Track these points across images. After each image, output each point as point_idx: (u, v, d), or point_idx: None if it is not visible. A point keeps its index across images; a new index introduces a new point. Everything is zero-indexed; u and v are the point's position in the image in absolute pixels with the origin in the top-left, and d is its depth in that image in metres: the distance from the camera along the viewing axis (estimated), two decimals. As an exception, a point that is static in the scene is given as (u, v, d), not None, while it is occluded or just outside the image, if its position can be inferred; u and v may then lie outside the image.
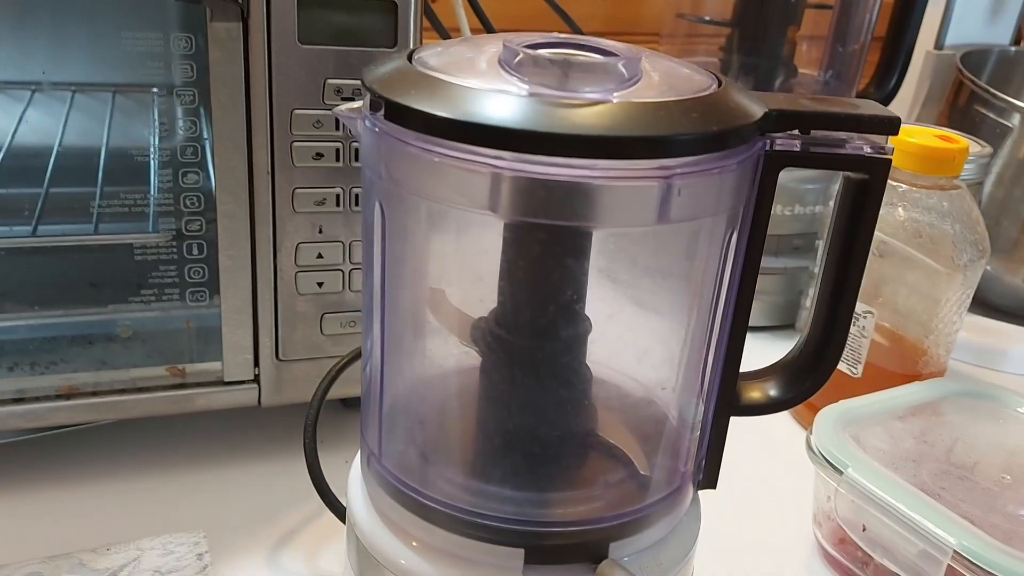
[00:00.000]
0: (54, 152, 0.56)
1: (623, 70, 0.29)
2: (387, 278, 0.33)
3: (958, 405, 0.53)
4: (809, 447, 0.48)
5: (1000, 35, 0.84)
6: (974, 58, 0.78)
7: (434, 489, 0.33)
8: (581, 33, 0.79)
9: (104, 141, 0.56)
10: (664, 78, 0.31)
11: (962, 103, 0.75)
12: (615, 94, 0.28)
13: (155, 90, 0.59)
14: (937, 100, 0.81)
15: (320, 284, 0.48)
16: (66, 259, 0.51)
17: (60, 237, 0.50)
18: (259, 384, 0.49)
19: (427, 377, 0.37)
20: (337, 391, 0.47)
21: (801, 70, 0.73)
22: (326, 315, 0.49)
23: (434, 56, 0.31)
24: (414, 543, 0.33)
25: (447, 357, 0.36)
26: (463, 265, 0.35)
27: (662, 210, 0.29)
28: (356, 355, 0.47)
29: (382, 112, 0.29)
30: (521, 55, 0.29)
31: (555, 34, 0.32)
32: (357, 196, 0.47)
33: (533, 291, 0.32)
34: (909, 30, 0.73)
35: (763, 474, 0.56)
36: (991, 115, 0.70)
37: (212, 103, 0.44)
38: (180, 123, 0.50)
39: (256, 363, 0.49)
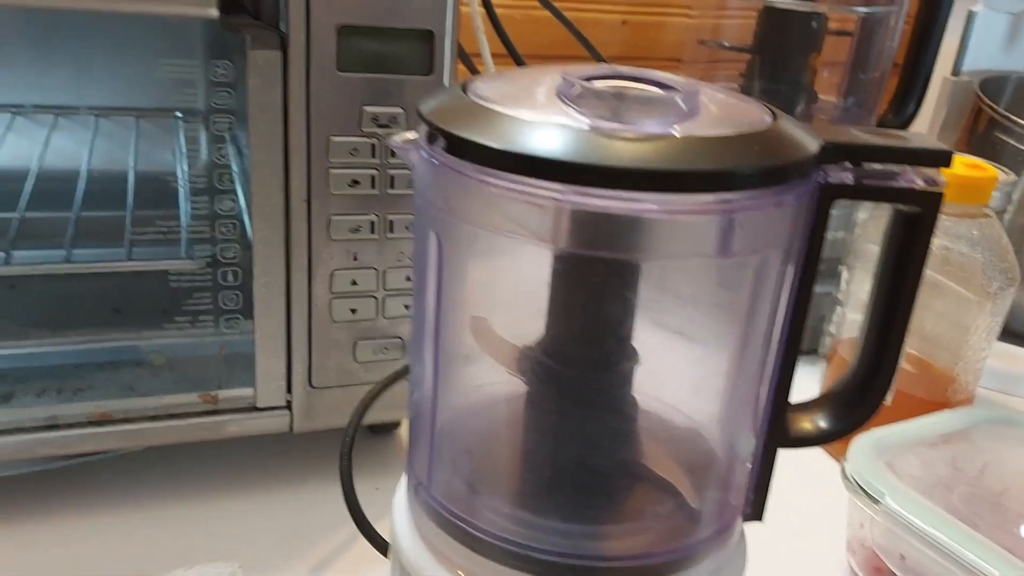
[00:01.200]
0: (85, 177, 0.56)
1: (682, 104, 0.29)
2: (441, 306, 0.33)
3: (989, 432, 0.53)
4: (844, 475, 0.48)
5: (1018, 61, 0.85)
6: (992, 84, 0.79)
7: (483, 520, 0.32)
8: (601, 58, 0.79)
9: (135, 168, 0.56)
10: (721, 111, 0.31)
11: (981, 129, 0.75)
12: (675, 127, 0.28)
13: (189, 117, 0.59)
14: (955, 126, 0.81)
15: (354, 311, 0.48)
16: (100, 285, 0.51)
17: (94, 264, 0.49)
18: (291, 411, 0.49)
19: (476, 406, 0.37)
20: (369, 417, 0.47)
21: (821, 96, 0.74)
22: (359, 342, 0.49)
23: (489, 87, 0.31)
24: (461, 574, 0.33)
25: (496, 386, 0.35)
26: (517, 294, 0.35)
27: (722, 244, 0.29)
28: (390, 382, 0.47)
29: (440, 144, 0.29)
30: (579, 88, 0.29)
31: (611, 66, 0.32)
32: (392, 223, 0.47)
33: (585, 322, 0.32)
34: (927, 57, 0.74)
35: (795, 501, 0.55)
36: (1011, 142, 0.71)
37: (250, 130, 0.44)
38: (216, 150, 0.50)
39: (289, 389, 0.49)
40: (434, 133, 0.30)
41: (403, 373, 0.47)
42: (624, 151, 0.27)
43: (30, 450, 0.46)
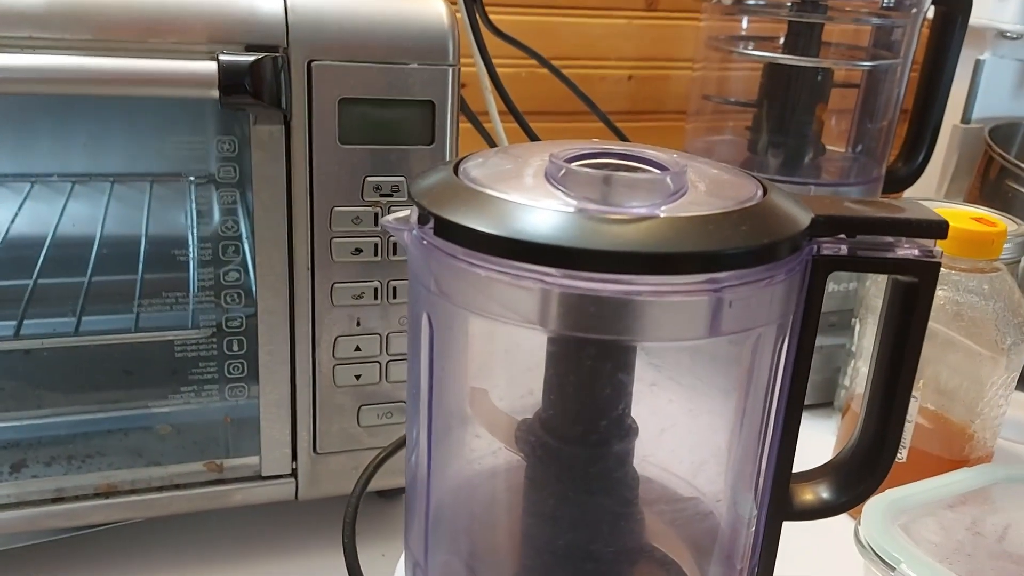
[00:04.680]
0: (97, 243, 0.57)
1: (670, 183, 0.29)
2: (433, 386, 0.32)
3: (1008, 492, 0.52)
4: (858, 540, 0.46)
5: (1027, 108, 0.84)
6: (1003, 131, 0.79)
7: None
8: (603, 117, 0.80)
9: (146, 233, 0.57)
10: (710, 187, 0.31)
11: (992, 177, 0.75)
12: (662, 208, 0.28)
13: (196, 189, 0.60)
14: (966, 174, 0.80)
15: (358, 376, 0.48)
16: (107, 354, 0.52)
17: (102, 336, 0.50)
18: (296, 478, 0.49)
19: (472, 483, 0.36)
20: (375, 483, 0.46)
21: (829, 147, 0.74)
22: (363, 407, 0.49)
23: (479, 167, 0.32)
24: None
25: (492, 462, 0.35)
26: (509, 373, 0.35)
27: (713, 323, 0.28)
28: (394, 449, 0.47)
29: (431, 226, 0.30)
30: (566, 170, 0.29)
31: (598, 142, 0.32)
32: (395, 289, 0.48)
33: (580, 402, 0.32)
34: (935, 106, 0.74)
35: (808, 562, 0.54)
36: (1022, 190, 0.70)
37: (254, 202, 0.45)
38: (221, 222, 0.51)
39: (294, 457, 0.49)
40: (425, 215, 0.30)
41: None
42: (611, 234, 0.27)
43: (38, 523, 0.46)
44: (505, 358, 0.34)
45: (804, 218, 0.30)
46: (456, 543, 0.35)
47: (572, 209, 0.28)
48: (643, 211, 0.28)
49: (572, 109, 0.80)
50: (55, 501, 0.46)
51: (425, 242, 0.30)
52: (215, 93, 0.41)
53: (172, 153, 0.60)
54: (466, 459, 0.36)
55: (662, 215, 0.28)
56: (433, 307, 0.31)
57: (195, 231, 0.57)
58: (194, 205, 0.59)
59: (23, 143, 0.64)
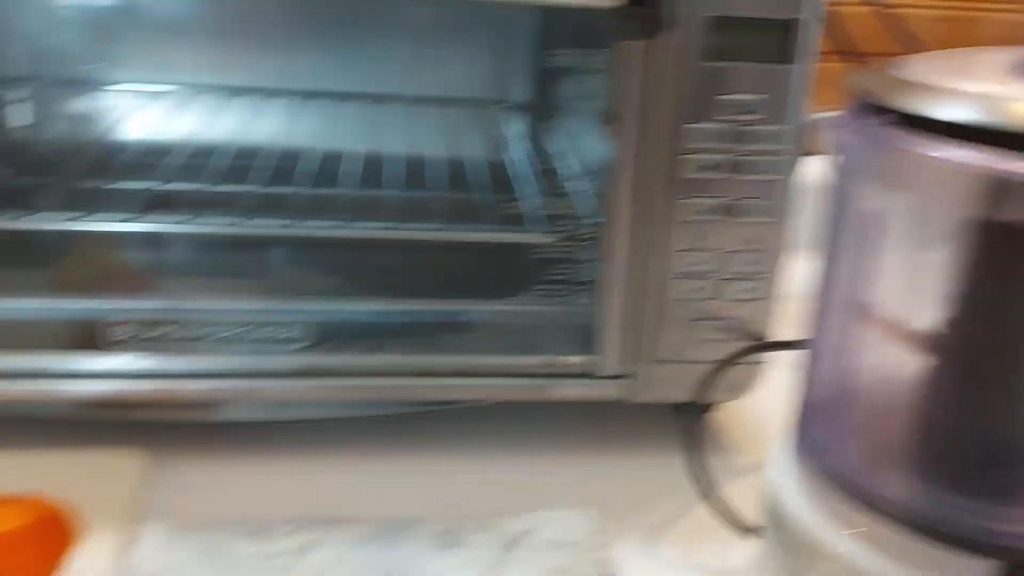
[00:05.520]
0: (445, 161, 0.62)
1: None
2: (846, 283, 0.34)
3: None
4: None
5: None
6: None
7: (887, 488, 0.33)
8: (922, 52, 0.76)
9: (488, 155, 0.62)
10: None
11: None
12: None
13: (515, 106, 0.64)
14: None
15: (697, 290, 0.50)
16: (472, 254, 0.57)
17: (465, 233, 0.55)
18: (629, 381, 0.52)
19: (877, 381, 0.37)
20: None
21: None
22: (699, 321, 0.51)
23: (922, 66, 0.32)
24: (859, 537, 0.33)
25: (898, 362, 0.36)
26: (926, 271, 0.35)
27: None
28: (731, 360, 0.49)
29: (883, 119, 0.30)
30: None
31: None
32: (741, 206, 0.49)
33: (994, 302, 0.32)
34: None
35: None
36: None
37: (612, 116, 0.47)
38: (582, 136, 0.54)
39: (629, 361, 0.52)
40: (873, 107, 0.31)
41: (746, 352, 0.49)
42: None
43: (406, 393, 0.52)
44: (925, 255, 0.34)
45: None
46: (862, 434, 0.36)
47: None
48: None
49: (882, 51, 0.77)
50: (421, 375, 0.51)
51: (869, 135, 0.31)
52: (613, 2, 0.43)
53: (536, 77, 0.63)
54: (873, 356, 0.37)
55: None
56: (869, 202, 0.32)
57: (525, 152, 0.61)
58: (514, 128, 0.63)
59: (345, 63, 0.70)
